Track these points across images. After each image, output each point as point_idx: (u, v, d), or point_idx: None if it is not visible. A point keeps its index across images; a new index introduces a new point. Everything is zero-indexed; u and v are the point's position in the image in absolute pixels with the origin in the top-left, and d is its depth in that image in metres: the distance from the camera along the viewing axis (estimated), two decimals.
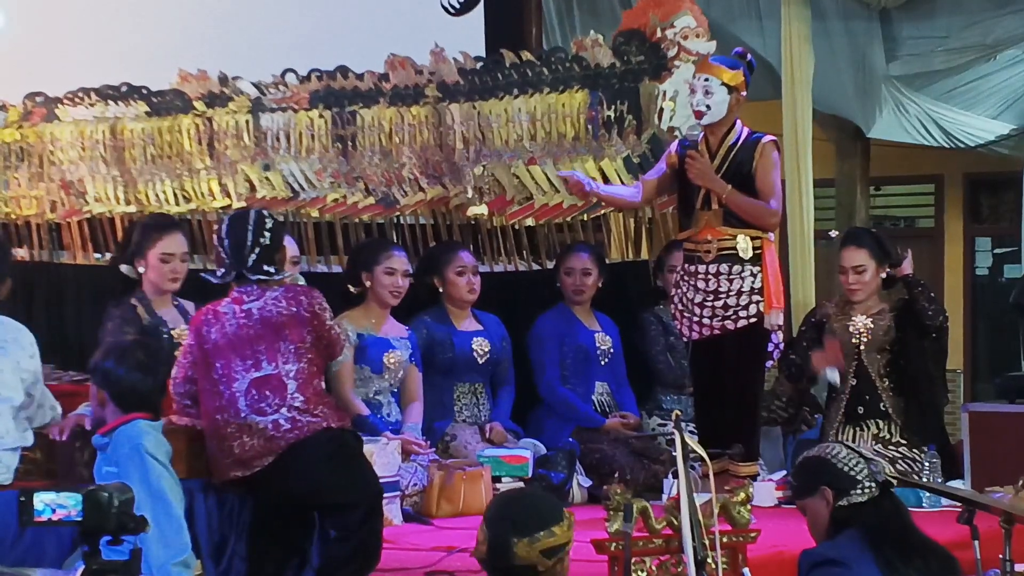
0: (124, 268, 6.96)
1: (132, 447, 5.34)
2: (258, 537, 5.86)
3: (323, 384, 6.08)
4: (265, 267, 5.89)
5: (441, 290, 8.06)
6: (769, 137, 7.40)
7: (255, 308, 5.84)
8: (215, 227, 6.50)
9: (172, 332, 6.85)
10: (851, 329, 7.92)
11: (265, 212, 6.13)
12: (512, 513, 4.15)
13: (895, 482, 4.89)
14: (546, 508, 4.21)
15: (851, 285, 7.92)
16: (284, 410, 5.76)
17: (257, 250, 5.90)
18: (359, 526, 5.79)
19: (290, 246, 7.27)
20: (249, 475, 5.77)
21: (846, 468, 4.78)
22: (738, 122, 7.39)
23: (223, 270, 5.97)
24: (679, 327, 7.51)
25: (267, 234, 5.93)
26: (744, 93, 7.36)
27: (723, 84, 7.29)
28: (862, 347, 7.91)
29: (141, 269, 6.88)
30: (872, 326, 7.91)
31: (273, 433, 5.75)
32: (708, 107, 7.29)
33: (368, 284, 7.75)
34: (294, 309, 5.85)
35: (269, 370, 5.79)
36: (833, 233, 8.99)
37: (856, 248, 7.96)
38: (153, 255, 6.85)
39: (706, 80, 7.31)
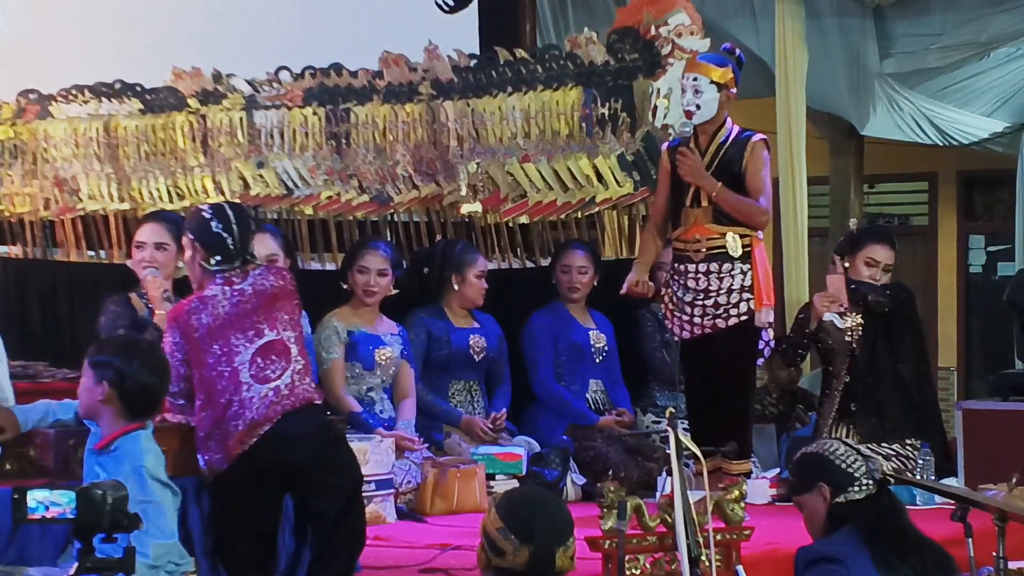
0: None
1: (133, 468, 5.21)
2: (237, 533, 5.82)
3: None
4: (250, 249, 6.02)
5: (457, 288, 8.05)
6: (759, 136, 7.35)
7: (247, 286, 5.90)
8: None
9: None
10: (843, 327, 7.92)
11: None
12: (553, 523, 4.09)
13: (892, 480, 4.90)
14: (567, 512, 4.18)
15: (879, 280, 7.91)
16: (287, 374, 5.80)
17: (248, 234, 6.00)
18: (344, 512, 5.75)
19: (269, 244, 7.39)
20: (247, 449, 5.74)
21: (844, 465, 4.78)
22: (728, 120, 7.33)
23: (219, 256, 5.98)
24: (670, 326, 7.48)
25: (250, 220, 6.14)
26: (734, 90, 7.26)
27: (712, 82, 7.21)
28: (854, 344, 7.92)
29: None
30: (864, 323, 7.91)
31: (273, 399, 5.75)
32: (698, 106, 7.21)
33: (351, 281, 7.79)
34: (281, 283, 5.95)
35: (272, 336, 5.84)
36: (853, 222, 8.92)
37: (891, 248, 7.98)
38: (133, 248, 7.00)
39: (695, 79, 7.23)
